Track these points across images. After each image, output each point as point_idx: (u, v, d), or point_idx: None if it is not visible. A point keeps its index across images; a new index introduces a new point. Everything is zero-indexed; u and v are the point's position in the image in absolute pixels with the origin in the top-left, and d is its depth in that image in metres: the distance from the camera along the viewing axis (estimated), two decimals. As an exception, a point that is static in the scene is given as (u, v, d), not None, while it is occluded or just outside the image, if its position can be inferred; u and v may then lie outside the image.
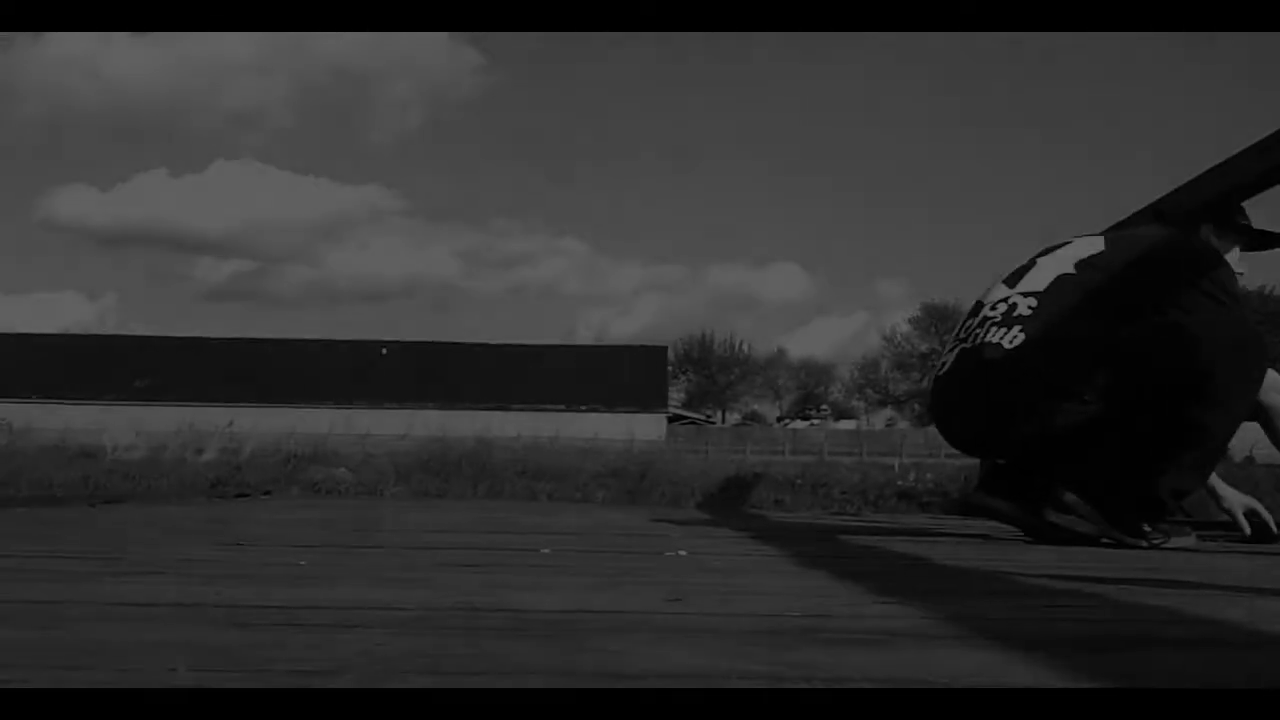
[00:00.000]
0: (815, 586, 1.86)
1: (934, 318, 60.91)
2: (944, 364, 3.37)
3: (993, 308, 3.25)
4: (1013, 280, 3.30)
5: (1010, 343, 3.13)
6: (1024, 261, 3.37)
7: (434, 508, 5.39)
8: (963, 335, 3.31)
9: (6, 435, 10.72)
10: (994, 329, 3.18)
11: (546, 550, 2.49)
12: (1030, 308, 3.18)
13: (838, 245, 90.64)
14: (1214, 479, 3.27)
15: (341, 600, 1.44)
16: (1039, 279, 3.24)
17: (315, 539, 2.91)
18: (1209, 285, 3.16)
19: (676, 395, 58.40)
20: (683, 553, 2.48)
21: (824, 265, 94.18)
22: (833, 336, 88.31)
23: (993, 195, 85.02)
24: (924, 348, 60.69)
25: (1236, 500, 3.31)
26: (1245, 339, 3.08)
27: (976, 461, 3.91)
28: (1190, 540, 3.19)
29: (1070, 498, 3.09)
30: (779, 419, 64.96)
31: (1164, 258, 3.25)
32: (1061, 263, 3.25)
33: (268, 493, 7.07)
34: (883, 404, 66.40)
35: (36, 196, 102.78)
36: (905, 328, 64.91)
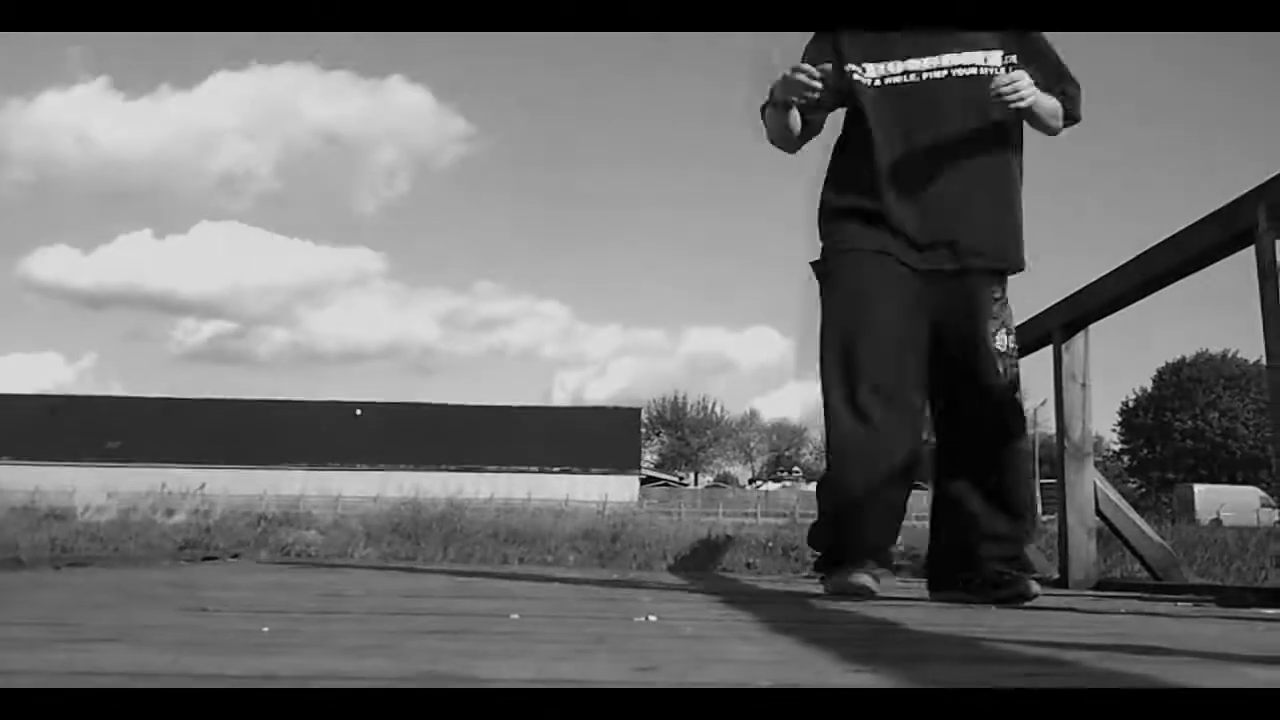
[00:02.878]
0: (785, 653, 1.83)
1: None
2: None
3: None
4: None
5: None
6: None
7: (402, 576, 5.33)
8: None
9: (-27, 497, 10.57)
10: None
11: (515, 616, 2.46)
12: None
13: (814, 310, 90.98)
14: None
15: (301, 670, 1.41)
16: None
17: (280, 605, 2.86)
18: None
19: (650, 457, 58.31)
20: (653, 618, 2.45)
21: (800, 329, 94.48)
22: (806, 399, 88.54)
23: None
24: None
25: None
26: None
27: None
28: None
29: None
30: (751, 481, 64.85)
31: None
32: None
33: (236, 555, 6.99)
34: (855, 466, 66.44)
35: (18, 258, 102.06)
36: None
